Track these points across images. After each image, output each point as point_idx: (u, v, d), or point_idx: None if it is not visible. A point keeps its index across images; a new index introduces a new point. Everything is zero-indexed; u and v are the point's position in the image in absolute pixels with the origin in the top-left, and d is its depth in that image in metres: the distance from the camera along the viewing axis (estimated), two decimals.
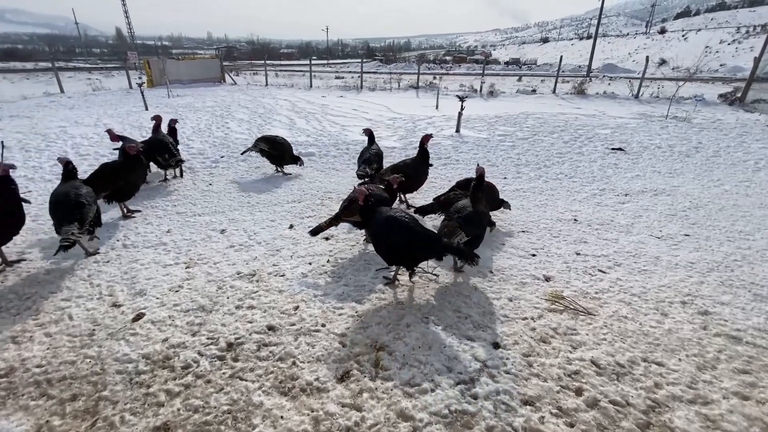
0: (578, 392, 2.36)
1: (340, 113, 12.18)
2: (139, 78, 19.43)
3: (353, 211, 3.64)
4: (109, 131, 5.44)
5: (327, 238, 4.26)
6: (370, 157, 5.24)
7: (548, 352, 2.67)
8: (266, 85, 21.32)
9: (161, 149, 5.64)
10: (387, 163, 5.76)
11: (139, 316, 2.97)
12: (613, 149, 8.12)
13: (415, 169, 4.93)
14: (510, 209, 4.65)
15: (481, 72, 22.93)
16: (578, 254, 4.02)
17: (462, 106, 9.15)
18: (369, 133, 5.72)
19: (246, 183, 6.13)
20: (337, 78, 27.11)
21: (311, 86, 20.56)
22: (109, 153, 7.44)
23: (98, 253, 3.91)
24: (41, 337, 2.78)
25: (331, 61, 60.19)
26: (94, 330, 2.84)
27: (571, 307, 3.15)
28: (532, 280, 3.54)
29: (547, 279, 3.59)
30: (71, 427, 2.15)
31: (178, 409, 2.22)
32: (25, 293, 3.26)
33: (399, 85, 19.69)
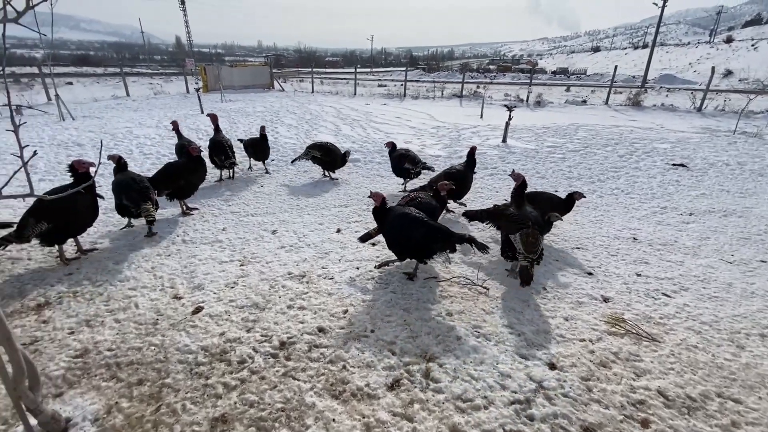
0: (644, 424, 2.20)
1: (383, 120, 12.30)
2: (196, 83, 20.67)
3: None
4: (174, 122, 6.20)
5: (374, 244, 4.28)
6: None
7: (609, 377, 2.52)
8: (312, 92, 21.96)
9: (219, 151, 5.95)
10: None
11: (198, 309, 3.11)
12: (674, 165, 7.63)
13: (464, 176, 4.98)
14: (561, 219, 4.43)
15: (527, 81, 22.41)
16: (639, 275, 3.78)
17: (510, 115, 8.96)
18: (392, 145, 6.18)
19: (295, 186, 6.31)
20: (380, 86, 27.49)
21: (355, 94, 20.94)
22: (169, 153, 7.94)
23: (155, 233, 4.44)
24: (111, 323, 2.97)
25: (374, 70, 61.17)
26: (157, 319, 3.01)
27: (633, 331, 2.96)
28: (589, 300, 3.37)
29: (606, 300, 3.40)
30: (138, 410, 2.27)
31: (235, 403, 2.29)
32: (97, 280, 3.52)
33: (442, 94, 19.64)
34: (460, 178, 4.90)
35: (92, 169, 3.83)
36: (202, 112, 12.89)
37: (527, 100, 17.26)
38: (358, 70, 24.87)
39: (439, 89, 20.38)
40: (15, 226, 3.53)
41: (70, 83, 24.64)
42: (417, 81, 30.73)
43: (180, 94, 19.61)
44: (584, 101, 17.96)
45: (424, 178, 5.92)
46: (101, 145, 2.28)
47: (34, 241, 3.65)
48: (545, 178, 6.80)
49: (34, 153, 1.87)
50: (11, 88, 19.78)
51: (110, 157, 4.37)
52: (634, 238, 4.60)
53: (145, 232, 4.39)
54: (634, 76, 38.76)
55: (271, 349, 2.69)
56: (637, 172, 7.25)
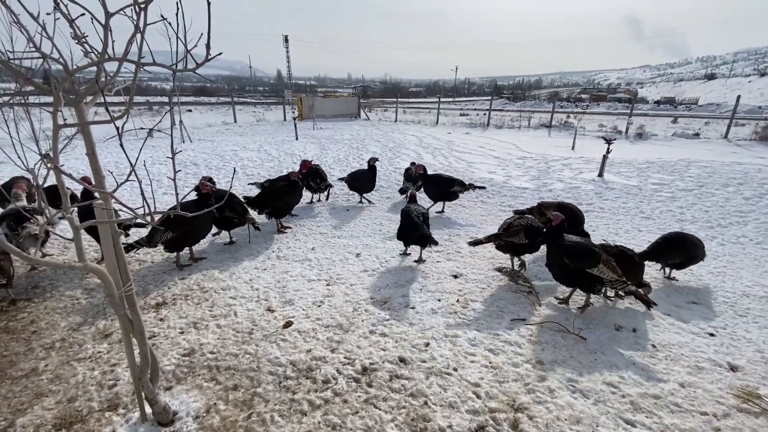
0: None
1: (465, 150, 12.22)
2: (293, 112, 22.73)
3: (511, 233, 4.01)
4: (305, 162, 6.51)
5: (456, 276, 4.19)
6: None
7: None
8: (395, 120, 22.77)
9: (315, 175, 6.43)
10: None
11: (288, 324, 3.29)
12: None
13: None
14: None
15: (626, 112, 20.70)
16: None
17: (608, 148, 8.31)
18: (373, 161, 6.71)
19: (378, 211, 6.49)
20: (461, 115, 27.54)
21: (437, 122, 21.24)
22: (267, 175, 8.75)
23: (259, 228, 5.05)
24: (214, 327, 3.28)
25: (456, 99, 61.69)
26: (252, 329, 3.24)
27: None
28: (712, 366, 2.88)
29: (734, 369, 2.88)
30: (232, 414, 2.44)
31: (319, 422, 2.34)
32: (204, 287, 3.93)
33: (529, 123, 19.00)
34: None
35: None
36: (297, 139, 14.07)
37: (626, 132, 15.90)
38: (440, 99, 25.27)
39: (526, 118, 19.77)
40: (148, 227, 4.16)
41: (190, 110, 28.73)
42: (501, 110, 30.19)
43: (278, 121, 21.69)
44: (696, 134, 15.98)
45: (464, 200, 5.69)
46: (234, 171, 2.58)
47: (159, 247, 4.22)
48: (651, 218, 6.10)
49: (178, 170, 2.19)
50: (145, 114, 23.74)
51: (203, 179, 4.99)
52: None
53: (240, 248, 4.84)
54: (760, 107, 33.60)
55: (354, 373, 2.73)
56: None
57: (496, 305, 3.60)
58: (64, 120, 1.57)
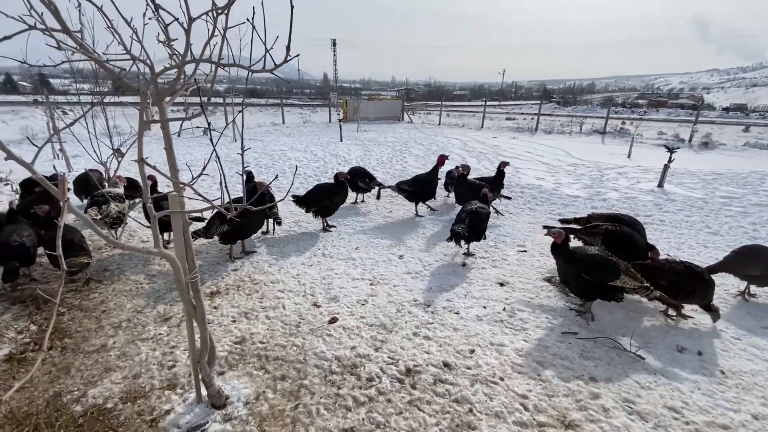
0: None
1: (512, 154, 11.88)
2: (338, 114, 23.22)
3: (590, 231, 4.12)
4: (339, 173, 5.81)
5: (502, 284, 4.08)
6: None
7: None
8: (439, 124, 22.61)
9: (362, 175, 6.55)
10: None
11: (333, 320, 3.36)
12: None
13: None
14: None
15: (690, 119, 19.25)
16: None
17: (671, 157, 7.76)
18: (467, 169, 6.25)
19: (420, 214, 6.46)
20: (508, 119, 26.87)
21: (482, 126, 20.84)
22: (313, 174, 8.99)
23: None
24: (263, 318, 3.41)
25: (502, 103, 60.22)
26: (299, 323, 3.34)
27: None
28: None
29: None
30: (280, 403, 2.52)
31: (363, 419, 2.36)
32: (255, 279, 4.10)
33: (581, 129, 18.17)
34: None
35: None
36: (341, 140, 14.35)
37: (690, 140, 14.78)
38: (486, 103, 24.79)
39: (577, 124, 18.92)
40: (205, 221, 4.42)
41: (241, 111, 30.22)
42: (550, 115, 29.12)
43: (324, 123, 22.24)
44: None
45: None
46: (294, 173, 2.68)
47: (214, 239, 4.46)
48: (718, 234, 5.62)
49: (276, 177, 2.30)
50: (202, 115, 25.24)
51: (245, 172, 5.23)
52: None
53: (288, 243, 5.00)
54: None
55: (397, 373, 2.73)
56: None
57: (545, 316, 3.46)
58: (152, 115, 1.70)
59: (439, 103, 27.78)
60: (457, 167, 6.36)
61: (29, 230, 3.85)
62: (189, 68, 1.83)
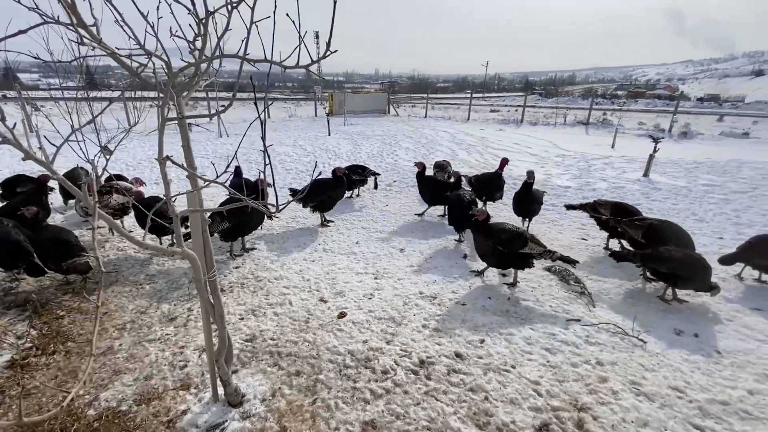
0: None
1: (501, 147, 12.02)
2: (324, 108, 22.97)
3: (634, 225, 4.20)
4: (337, 168, 5.63)
5: (504, 275, 4.15)
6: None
7: None
8: (425, 117, 22.64)
9: (358, 167, 6.58)
10: None
11: (342, 315, 3.37)
12: None
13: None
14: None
15: (668, 109, 19.81)
16: None
17: (656, 147, 8.00)
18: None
19: (417, 208, 6.50)
20: (492, 111, 27.08)
21: (468, 119, 20.98)
22: (305, 169, 8.91)
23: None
24: (272, 315, 3.40)
25: (486, 95, 60.56)
26: (308, 318, 3.34)
27: None
28: None
29: None
30: (297, 398, 2.53)
31: (382, 411, 2.40)
32: (258, 276, 4.07)
33: (564, 121, 18.48)
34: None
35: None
36: (329, 134, 14.23)
37: (670, 130, 15.21)
38: (471, 95, 24.93)
39: (561, 115, 19.23)
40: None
41: (223, 106, 29.57)
42: (534, 106, 29.47)
43: (309, 117, 22.00)
44: (746, 133, 15.12)
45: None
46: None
47: (214, 236, 4.39)
48: (704, 221, 5.83)
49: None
50: (190, 110, 24.57)
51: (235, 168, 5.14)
52: None
53: (288, 239, 4.97)
54: None
55: (411, 365, 2.77)
56: None
57: (549, 305, 3.55)
58: (169, 110, 1.66)
59: (424, 95, 27.80)
60: (415, 164, 6.01)
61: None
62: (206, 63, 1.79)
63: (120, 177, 5.78)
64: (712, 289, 3.45)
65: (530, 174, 5.10)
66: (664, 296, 3.67)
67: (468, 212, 4.24)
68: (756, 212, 6.26)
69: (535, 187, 5.17)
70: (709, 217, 6.00)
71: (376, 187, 7.17)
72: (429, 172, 6.34)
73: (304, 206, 5.45)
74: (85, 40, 1.51)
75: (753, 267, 4.10)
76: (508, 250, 3.67)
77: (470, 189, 5.87)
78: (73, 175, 5.63)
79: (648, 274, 3.95)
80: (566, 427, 2.28)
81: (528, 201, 5.13)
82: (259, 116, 1.62)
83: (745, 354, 2.99)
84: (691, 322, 3.36)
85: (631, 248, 4.29)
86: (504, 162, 6.07)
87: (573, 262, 3.64)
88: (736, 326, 3.35)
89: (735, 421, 2.37)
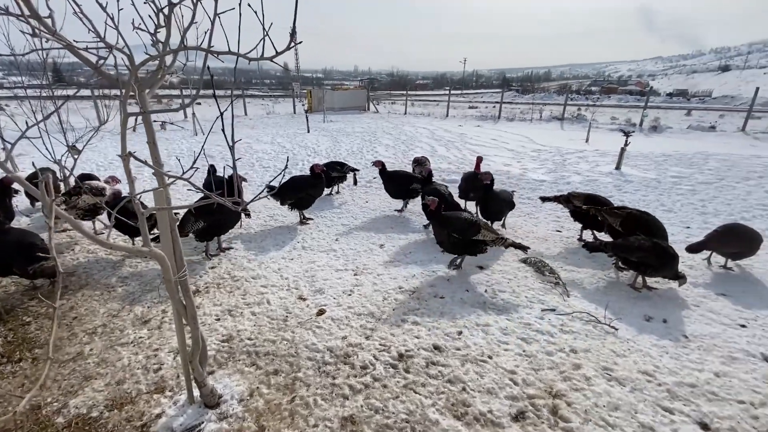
0: None
1: (479, 142, 12.16)
2: (303, 105, 22.72)
3: (612, 213, 4.33)
4: (315, 165, 5.49)
5: (481, 267, 4.22)
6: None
7: None
8: (405, 113, 22.67)
9: (336, 164, 6.56)
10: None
11: (321, 312, 3.36)
12: None
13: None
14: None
15: (637, 104, 20.45)
16: None
17: (626, 141, 8.25)
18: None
19: (397, 204, 6.51)
20: (470, 107, 27.35)
21: (447, 115, 21.12)
22: (283, 166, 8.80)
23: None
24: (249, 315, 3.35)
25: (464, 92, 61.19)
26: (287, 317, 3.31)
27: None
28: (745, 357, 2.89)
29: None
30: (275, 397, 2.51)
31: (361, 406, 2.40)
32: (235, 276, 4.00)
33: (540, 116, 18.84)
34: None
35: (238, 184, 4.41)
36: (308, 131, 14.08)
37: (641, 125, 15.71)
38: (450, 92, 25.11)
39: (537, 111, 19.60)
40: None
41: (199, 103, 28.83)
42: (511, 103, 29.90)
43: (288, 114, 21.71)
44: (713, 127, 15.75)
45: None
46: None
47: (189, 237, 4.30)
48: (672, 211, 6.07)
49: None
50: (157, 105, 23.87)
51: (210, 166, 5.02)
52: None
53: (265, 238, 4.90)
54: None
55: (390, 359, 2.78)
56: None
57: (525, 296, 3.63)
58: (138, 106, 1.61)
59: (404, 92, 27.83)
60: (373, 163, 6.01)
61: None
62: (170, 57, 1.75)
63: (91, 176, 5.56)
64: (679, 278, 3.59)
65: (486, 175, 4.79)
66: (635, 284, 3.80)
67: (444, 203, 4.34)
68: (721, 202, 6.55)
69: (504, 186, 5.24)
70: (677, 207, 6.24)
71: (355, 183, 7.16)
72: (408, 168, 6.36)
73: (281, 204, 5.39)
74: (40, 32, 1.44)
75: (719, 254, 4.29)
76: (463, 237, 3.88)
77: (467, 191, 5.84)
78: (30, 178, 5.40)
79: (619, 263, 4.08)
80: (541, 414, 2.34)
81: (492, 202, 4.87)
82: (221, 113, 1.59)
83: (711, 338, 3.12)
84: (660, 309, 3.49)
85: (605, 239, 4.43)
86: (479, 160, 6.13)
87: (524, 248, 3.86)
88: (702, 311, 3.50)
89: (702, 402, 2.47)
